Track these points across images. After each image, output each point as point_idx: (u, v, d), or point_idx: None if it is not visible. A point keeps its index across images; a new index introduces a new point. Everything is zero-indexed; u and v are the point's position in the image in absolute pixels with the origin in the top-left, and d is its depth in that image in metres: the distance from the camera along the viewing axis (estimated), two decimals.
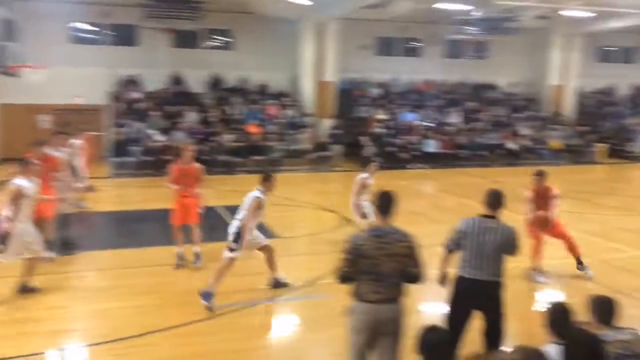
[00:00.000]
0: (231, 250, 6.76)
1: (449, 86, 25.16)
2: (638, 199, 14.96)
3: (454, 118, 22.83)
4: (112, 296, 7.21)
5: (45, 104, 20.20)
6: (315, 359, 5.71)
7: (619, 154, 23.75)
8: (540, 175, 7.82)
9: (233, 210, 12.35)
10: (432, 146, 20.83)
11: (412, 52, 25.56)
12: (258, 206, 6.75)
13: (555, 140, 22.57)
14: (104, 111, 20.97)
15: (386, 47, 25.00)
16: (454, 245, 4.99)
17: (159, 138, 18.21)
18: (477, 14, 19.71)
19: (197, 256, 8.26)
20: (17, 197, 6.66)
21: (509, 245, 4.86)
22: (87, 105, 20.93)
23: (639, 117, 25.19)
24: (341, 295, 7.31)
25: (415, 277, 4.19)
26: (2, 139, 20.29)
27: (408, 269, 4.14)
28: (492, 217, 4.90)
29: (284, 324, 6.71)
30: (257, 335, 6.14)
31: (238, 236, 6.73)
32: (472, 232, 4.83)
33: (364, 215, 8.80)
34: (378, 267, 4.05)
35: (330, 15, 20.80)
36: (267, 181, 6.84)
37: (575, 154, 22.71)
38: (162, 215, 12.49)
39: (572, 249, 7.90)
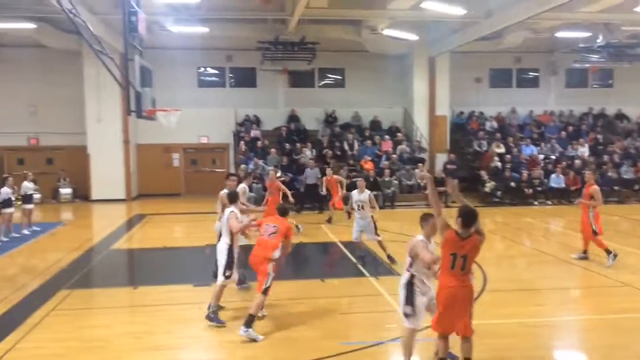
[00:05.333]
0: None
1: (572, 117, 23.90)
2: None
3: (581, 151, 21.54)
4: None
5: (175, 144, 21.83)
6: None
7: None
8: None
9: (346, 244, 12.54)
10: (556, 181, 19.75)
11: (529, 82, 24.71)
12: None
13: None
14: (228, 149, 22.33)
15: (501, 78, 24.37)
16: None
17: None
18: (601, 41, 18.74)
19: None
20: None
21: None
22: (213, 143, 22.40)
23: None
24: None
25: None
26: (138, 175, 22.13)
27: None
28: None
29: None
30: None
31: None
32: None
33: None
34: None
35: (441, 49, 20.70)
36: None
37: None
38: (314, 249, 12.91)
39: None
